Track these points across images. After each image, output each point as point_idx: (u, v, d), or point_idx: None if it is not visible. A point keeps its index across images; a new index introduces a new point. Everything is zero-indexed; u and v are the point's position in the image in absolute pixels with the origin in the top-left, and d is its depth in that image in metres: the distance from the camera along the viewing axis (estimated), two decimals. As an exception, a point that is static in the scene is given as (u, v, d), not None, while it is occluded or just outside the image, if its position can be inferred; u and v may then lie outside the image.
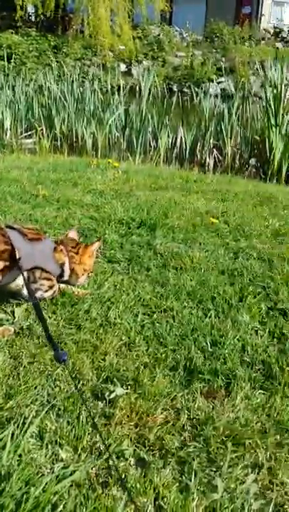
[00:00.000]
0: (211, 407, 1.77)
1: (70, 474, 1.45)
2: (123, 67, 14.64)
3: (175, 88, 12.69)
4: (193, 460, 1.53)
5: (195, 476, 1.48)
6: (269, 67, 7.57)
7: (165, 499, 1.39)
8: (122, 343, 2.14)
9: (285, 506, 1.41)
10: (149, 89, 8.73)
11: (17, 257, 2.19)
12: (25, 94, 8.90)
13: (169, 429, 1.67)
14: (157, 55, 15.23)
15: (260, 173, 6.71)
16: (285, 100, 6.67)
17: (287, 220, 3.79)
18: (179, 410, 1.76)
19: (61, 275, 2.42)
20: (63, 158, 6.63)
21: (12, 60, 12.20)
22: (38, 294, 2.30)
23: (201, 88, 10.23)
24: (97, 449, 1.57)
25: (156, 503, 1.38)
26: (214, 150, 7.39)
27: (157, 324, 2.27)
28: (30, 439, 1.57)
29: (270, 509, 1.39)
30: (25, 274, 2.21)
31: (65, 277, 2.45)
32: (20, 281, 2.26)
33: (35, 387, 1.83)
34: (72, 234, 2.61)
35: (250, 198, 4.42)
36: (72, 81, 9.03)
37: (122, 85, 8.62)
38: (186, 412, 1.75)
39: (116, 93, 8.53)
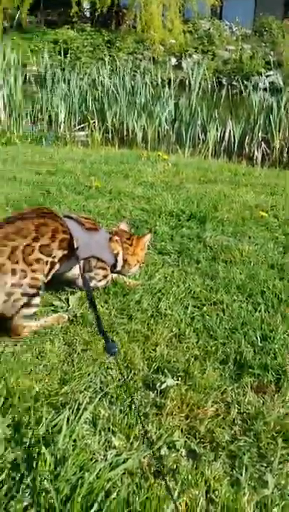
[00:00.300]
0: (261, 402, 1.72)
1: (123, 462, 1.44)
2: (173, 60, 14.47)
3: (224, 81, 12.45)
4: (244, 454, 1.49)
5: (246, 470, 1.44)
6: None
7: (216, 492, 1.36)
8: (173, 335, 2.11)
9: None
10: (199, 83, 8.60)
11: (75, 246, 2.19)
12: (79, 88, 8.93)
13: (219, 423, 1.63)
14: (207, 49, 14.98)
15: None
16: None
17: None
18: (229, 404, 1.72)
19: (115, 265, 2.42)
20: (114, 151, 6.62)
21: (68, 55, 12.24)
22: (92, 284, 2.30)
23: (250, 81, 10.00)
24: (149, 439, 1.55)
25: (208, 495, 1.35)
26: (262, 143, 7.22)
27: (207, 317, 2.23)
28: (84, 425, 1.56)
29: None
30: (81, 263, 2.21)
31: (118, 267, 2.44)
32: (76, 270, 2.26)
33: (89, 374, 1.83)
34: (123, 226, 2.59)
35: (301, 192, 4.29)
36: (124, 75, 9.01)
37: (172, 78, 8.52)
38: (236, 405, 1.71)
39: (166, 86, 8.44)
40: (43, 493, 1.30)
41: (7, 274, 1.99)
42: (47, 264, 2.13)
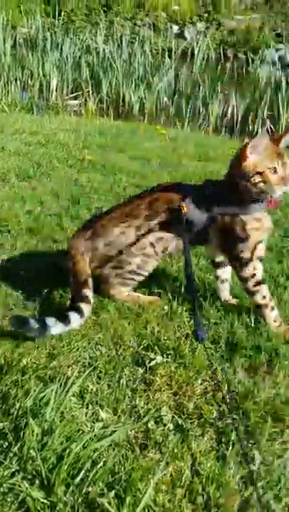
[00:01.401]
0: (252, 382, 1.83)
1: (110, 434, 1.54)
2: (176, 28, 14.36)
3: (230, 53, 12.42)
4: (232, 431, 1.59)
5: (232, 447, 1.54)
6: None
7: (202, 465, 1.46)
8: (164, 313, 2.21)
9: None
10: (202, 54, 8.62)
11: None
12: (72, 54, 8.91)
13: (208, 400, 1.74)
14: (212, 18, 14.86)
15: None
16: None
17: None
18: (219, 382, 1.82)
19: None
20: (109, 122, 6.67)
21: (60, 17, 12.13)
22: None
23: (258, 54, 10.00)
24: (136, 413, 1.65)
25: (193, 468, 1.46)
26: (268, 121, 7.27)
27: (200, 297, 2.32)
28: (72, 398, 1.66)
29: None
30: None
31: None
32: None
33: (78, 349, 1.93)
34: None
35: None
36: (121, 42, 8.99)
37: (173, 48, 8.52)
38: (226, 384, 1.81)
39: (167, 56, 8.44)
40: (30, 461, 1.40)
41: None
42: None
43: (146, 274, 2.28)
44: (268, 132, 2.04)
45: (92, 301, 2.13)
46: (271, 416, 1.68)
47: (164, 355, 1.92)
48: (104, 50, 8.80)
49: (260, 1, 16.45)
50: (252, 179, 2.00)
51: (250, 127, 7.37)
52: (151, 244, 2.20)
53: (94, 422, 1.60)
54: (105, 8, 15.64)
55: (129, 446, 1.52)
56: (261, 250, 2.13)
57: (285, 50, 10.70)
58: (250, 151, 1.99)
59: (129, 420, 1.62)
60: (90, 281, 2.19)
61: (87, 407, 1.66)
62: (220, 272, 2.33)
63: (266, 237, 2.17)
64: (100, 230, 2.24)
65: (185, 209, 2.11)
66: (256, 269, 2.12)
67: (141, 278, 2.28)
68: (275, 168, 1.98)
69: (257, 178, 1.99)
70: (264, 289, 2.13)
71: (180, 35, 13.09)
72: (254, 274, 2.12)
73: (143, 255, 2.21)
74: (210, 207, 2.12)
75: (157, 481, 1.38)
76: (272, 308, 2.13)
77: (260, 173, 1.99)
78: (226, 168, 2.17)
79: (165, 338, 2.03)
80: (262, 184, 1.99)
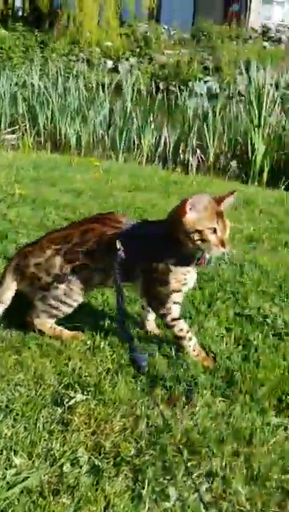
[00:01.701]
0: (170, 414, 1.79)
1: (22, 481, 1.45)
2: (110, 63, 14.59)
3: (161, 86, 12.69)
4: (148, 468, 1.54)
5: (148, 484, 1.49)
6: (253, 66, 7.62)
7: (115, 507, 1.40)
8: (87, 348, 2.15)
9: (236, 515, 1.43)
10: (134, 87, 8.73)
11: None
12: (9, 89, 8.83)
13: (126, 437, 1.68)
14: (144, 52, 15.22)
15: (242, 175, 6.73)
16: (268, 101, 6.70)
17: (263, 224, 3.82)
18: (138, 417, 1.77)
19: None
20: (46, 156, 6.60)
21: (-1, 55, 12.10)
22: None
23: (187, 87, 10.23)
24: (52, 456, 1.57)
25: (106, 511, 1.39)
26: (198, 150, 7.41)
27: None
28: (-16, 446, 1.56)
29: (221, 518, 1.41)
30: None
31: None
32: None
33: (-5, 392, 1.83)
34: None
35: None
36: (57, 77, 9.00)
37: (106, 82, 8.60)
38: (145, 419, 1.76)
39: (101, 90, 8.50)
40: None
41: None
42: None
43: (75, 304, 2.21)
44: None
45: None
46: (188, 448, 1.63)
47: (85, 393, 1.86)
48: (39, 85, 8.77)
49: (188, 36, 16.97)
50: (191, 235, 1.97)
51: (182, 156, 7.48)
52: (75, 272, 2.15)
53: (6, 469, 1.51)
54: (42, 45, 15.74)
55: (41, 492, 1.44)
56: (178, 298, 2.12)
57: (212, 82, 11.01)
58: (189, 207, 1.94)
59: (43, 464, 1.54)
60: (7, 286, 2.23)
61: (0, 454, 1.57)
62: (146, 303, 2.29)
63: (186, 290, 2.15)
64: (36, 249, 2.20)
65: (118, 246, 2.07)
66: (171, 310, 2.10)
67: (67, 309, 2.21)
68: (214, 228, 1.95)
69: (196, 236, 1.96)
70: (181, 324, 2.12)
71: (114, 70, 13.29)
72: (169, 313, 2.10)
73: (69, 282, 2.16)
74: (143, 248, 2.09)
75: (68, 530, 1.31)
76: (190, 339, 2.11)
77: (199, 232, 1.95)
78: (167, 217, 2.12)
79: (86, 374, 1.97)
80: (200, 242, 1.96)
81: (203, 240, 1.95)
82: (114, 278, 2.08)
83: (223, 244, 1.96)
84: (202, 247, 1.98)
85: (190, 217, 1.95)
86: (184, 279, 2.08)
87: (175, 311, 2.11)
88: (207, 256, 2.04)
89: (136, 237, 2.11)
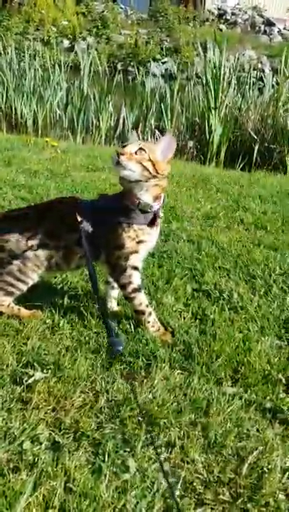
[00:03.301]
0: (130, 388, 1.79)
1: (-19, 460, 1.43)
2: (66, 43, 14.28)
3: (119, 67, 12.51)
4: (108, 441, 1.54)
5: (108, 457, 1.49)
6: (210, 48, 7.59)
7: (75, 481, 1.40)
8: (46, 327, 2.12)
9: (194, 483, 1.45)
10: (91, 67, 8.56)
11: None
12: None
13: (86, 412, 1.67)
14: (101, 33, 14.94)
15: (200, 156, 6.75)
16: (225, 83, 6.71)
17: (219, 202, 3.85)
18: (97, 393, 1.77)
19: None
20: (0, 136, 6.43)
21: None
22: None
23: (145, 67, 10.14)
24: (11, 435, 1.55)
25: (67, 485, 1.39)
26: (156, 131, 7.37)
27: (82, 308, 2.26)
28: None
29: (179, 486, 1.43)
30: None
31: None
32: None
33: None
34: None
35: (185, 181, 4.44)
36: (11, 56, 8.74)
37: (62, 62, 8.41)
38: (104, 394, 1.76)
39: (57, 70, 8.31)
40: None
41: None
42: None
43: (29, 281, 2.17)
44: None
45: None
46: (147, 421, 1.65)
47: (44, 371, 1.84)
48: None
49: (145, 17, 16.75)
50: None
51: (140, 137, 7.42)
52: (33, 249, 2.11)
53: None
54: (-5, 23, 15.22)
55: (0, 470, 1.42)
56: (137, 261, 2.11)
57: (169, 63, 10.94)
58: None
59: (3, 443, 1.52)
60: None
61: None
62: (111, 278, 2.28)
63: (145, 252, 2.14)
64: None
65: (79, 219, 2.05)
66: (132, 277, 2.09)
67: (23, 286, 2.17)
68: None
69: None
70: (141, 296, 2.11)
71: (71, 49, 13.00)
72: (130, 282, 2.09)
73: (23, 258, 2.12)
74: (100, 217, 2.08)
75: (28, 505, 1.30)
76: (150, 314, 2.12)
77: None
78: None
79: (46, 352, 1.95)
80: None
81: None
82: (84, 253, 2.06)
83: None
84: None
85: None
86: (136, 235, 2.07)
87: (135, 279, 2.10)
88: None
89: (96, 208, 2.11)
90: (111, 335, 1.92)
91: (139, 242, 2.08)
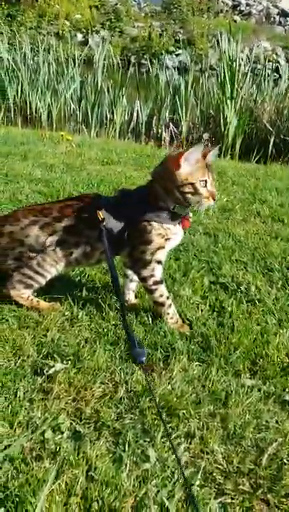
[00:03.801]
0: (149, 380, 1.81)
1: (4, 449, 1.46)
2: (80, 37, 14.28)
3: (133, 60, 12.48)
4: (128, 431, 1.56)
5: (129, 446, 1.51)
6: (225, 40, 7.53)
7: (97, 470, 1.42)
8: (65, 319, 2.15)
9: (214, 474, 1.47)
10: (105, 61, 8.57)
11: None
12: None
13: (106, 402, 1.69)
14: (115, 26, 14.90)
15: (215, 148, 6.71)
16: (240, 74, 6.67)
17: (235, 195, 3.84)
18: (117, 384, 1.79)
19: None
20: (16, 131, 6.47)
21: None
22: None
23: (159, 60, 10.09)
24: (33, 424, 1.58)
25: (89, 473, 1.41)
26: (170, 124, 7.36)
27: (100, 300, 2.28)
28: None
29: (199, 476, 1.44)
30: None
31: None
32: None
33: (-26, 364, 1.82)
34: None
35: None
36: (25, 51, 8.77)
37: (76, 56, 8.41)
38: (124, 385, 1.78)
39: (71, 63, 8.33)
40: None
41: None
42: None
43: (48, 275, 2.19)
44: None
45: None
46: (166, 411, 1.66)
47: (64, 362, 1.86)
48: (8, 59, 8.54)
49: (159, 9, 16.67)
50: (182, 188, 1.97)
51: (154, 130, 7.42)
52: (52, 244, 2.13)
53: (-11, 439, 1.51)
54: (9, 19, 15.27)
55: (23, 459, 1.45)
56: (162, 256, 2.12)
57: (183, 55, 10.88)
58: (183, 160, 1.94)
59: (25, 432, 1.55)
60: None
61: (-18, 424, 1.57)
62: (130, 271, 2.29)
63: (170, 246, 2.15)
64: (10, 218, 2.19)
65: (101, 216, 2.06)
66: (154, 270, 2.11)
67: (41, 280, 2.19)
68: (205, 181, 1.97)
69: (187, 189, 1.97)
70: (162, 288, 2.12)
71: (84, 43, 12.99)
72: (152, 275, 2.11)
73: (42, 253, 2.14)
74: (125, 213, 2.08)
75: (51, 492, 1.32)
76: (170, 306, 2.13)
77: (191, 184, 1.96)
78: (150, 175, 2.12)
79: (65, 344, 1.97)
80: (190, 195, 1.97)
81: (194, 193, 1.96)
82: (104, 250, 2.06)
83: (213, 196, 1.99)
84: (192, 201, 1.99)
85: (183, 170, 1.95)
86: (166, 233, 2.07)
87: (158, 272, 2.11)
88: (201, 208, 2.06)
89: (118, 205, 2.12)
90: (134, 346, 1.89)
91: (166, 240, 2.10)
